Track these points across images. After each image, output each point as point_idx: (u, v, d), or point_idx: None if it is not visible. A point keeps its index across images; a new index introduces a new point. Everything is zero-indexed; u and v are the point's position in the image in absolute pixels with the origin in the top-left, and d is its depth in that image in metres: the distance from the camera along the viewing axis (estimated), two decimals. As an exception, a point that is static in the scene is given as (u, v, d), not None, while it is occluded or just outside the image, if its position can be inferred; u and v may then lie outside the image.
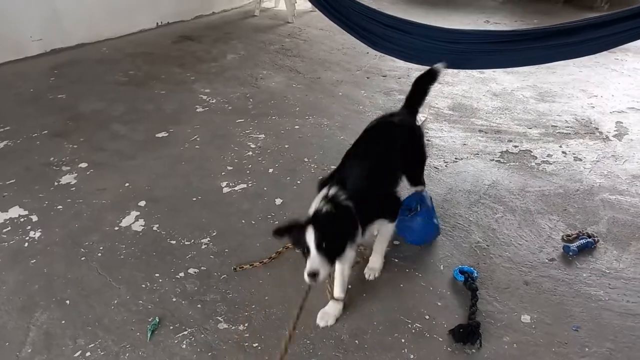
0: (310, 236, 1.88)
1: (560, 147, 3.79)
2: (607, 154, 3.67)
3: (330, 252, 1.91)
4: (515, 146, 3.79)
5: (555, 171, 3.47)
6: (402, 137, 2.53)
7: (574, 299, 2.41)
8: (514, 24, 6.99)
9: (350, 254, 2.13)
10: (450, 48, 3.30)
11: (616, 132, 3.96)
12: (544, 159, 3.62)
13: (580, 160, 3.60)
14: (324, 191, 2.12)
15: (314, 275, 1.84)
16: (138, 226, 2.85)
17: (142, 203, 3.06)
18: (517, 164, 3.56)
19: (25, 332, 2.18)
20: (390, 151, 2.44)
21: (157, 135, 3.89)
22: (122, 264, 2.58)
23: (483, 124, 4.16)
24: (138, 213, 2.96)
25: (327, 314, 2.27)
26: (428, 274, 2.55)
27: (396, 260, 2.63)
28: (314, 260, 1.86)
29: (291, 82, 5.03)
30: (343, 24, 3.76)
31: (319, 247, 1.87)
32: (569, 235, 2.81)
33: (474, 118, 4.26)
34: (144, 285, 2.44)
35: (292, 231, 1.98)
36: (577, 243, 2.71)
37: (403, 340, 2.16)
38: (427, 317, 2.28)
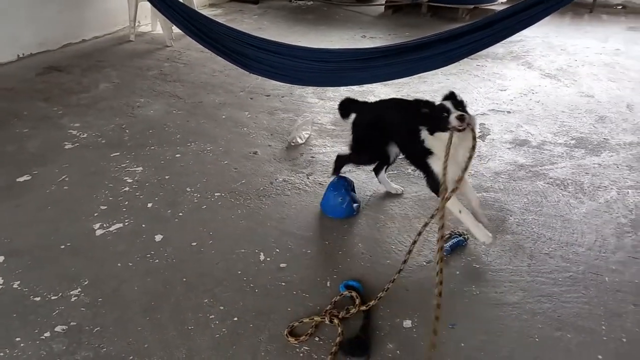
0: (448, 104, 2.61)
1: (433, 152, 4.04)
2: (473, 155, 3.97)
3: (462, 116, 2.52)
4: (393, 155, 3.98)
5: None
6: None
7: (450, 297, 2.54)
8: (387, 37, 7.40)
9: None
10: (320, 67, 3.39)
11: (480, 134, 4.31)
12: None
13: (450, 162, 3.86)
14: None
15: (462, 117, 2.50)
16: (-5, 285, 2.55)
17: (0, 259, 2.74)
18: (396, 172, 3.73)
19: None
20: None
21: (18, 180, 3.53)
22: (-26, 331, 2.28)
23: (362, 136, 4.32)
24: (-5, 270, 2.65)
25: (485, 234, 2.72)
26: (316, 293, 2.56)
27: (282, 284, 2.61)
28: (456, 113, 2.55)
29: (171, 109, 4.86)
30: (215, 49, 3.70)
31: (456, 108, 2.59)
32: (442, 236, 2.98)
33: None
34: (1, 354, 2.17)
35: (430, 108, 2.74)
36: (450, 242, 2.89)
37: None
38: (316, 338, 2.28)
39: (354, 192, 3.31)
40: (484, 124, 4.50)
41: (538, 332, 2.34)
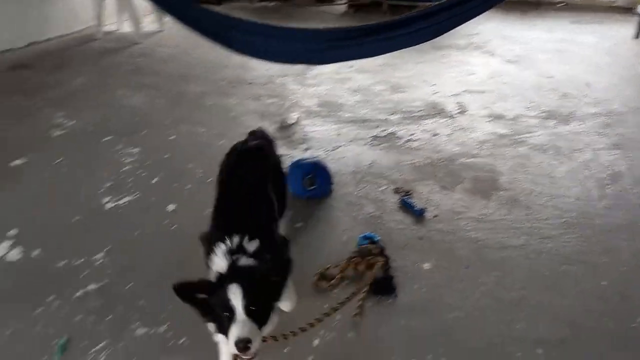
0: (235, 295, 1.50)
1: (419, 126, 4.27)
2: (456, 128, 4.23)
3: (261, 316, 1.57)
4: (383, 130, 4.17)
5: (419, 146, 3.90)
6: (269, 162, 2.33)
7: (459, 244, 2.74)
8: (355, 33, 7.65)
9: (274, 319, 1.70)
10: (306, 47, 3.50)
11: (459, 111, 4.58)
12: (408, 138, 4.04)
13: (437, 135, 4.09)
14: (222, 245, 1.73)
15: (245, 343, 1.46)
16: (15, 255, 2.51)
17: (14, 232, 2.69)
18: (388, 144, 3.92)
19: None
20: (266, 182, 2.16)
21: (11, 165, 3.45)
22: (1, 298, 2.24)
23: (350, 115, 4.50)
24: (11, 242, 2.60)
25: None
26: (334, 246, 2.68)
27: (302, 239, 2.71)
28: (244, 324, 1.49)
29: (154, 99, 4.85)
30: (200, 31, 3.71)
31: (247, 309, 1.51)
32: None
33: (342, 111, 4.58)
34: (35, 314, 2.15)
35: (204, 289, 1.57)
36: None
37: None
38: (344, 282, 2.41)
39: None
40: (461, 103, 4.78)
41: (546, 268, 2.57)
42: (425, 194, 3.21)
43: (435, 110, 4.61)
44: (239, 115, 4.47)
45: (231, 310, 1.50)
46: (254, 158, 2.26)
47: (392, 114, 4.55)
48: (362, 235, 2.72)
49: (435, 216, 2.98)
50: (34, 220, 2.82)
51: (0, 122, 4.14)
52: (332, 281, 2.38)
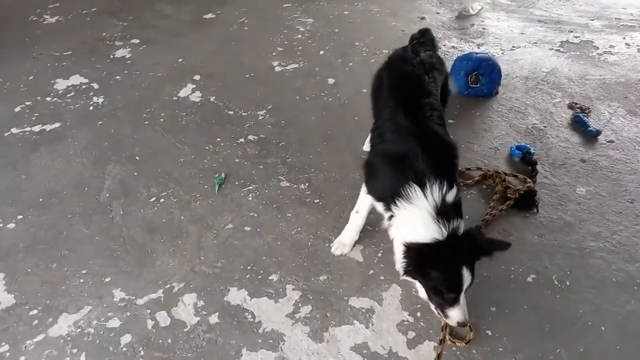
0: (465, 280, 1.49)
1: (624, 39, 3.60)
2: (674, 47, 3.48)
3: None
4: (576, 37, 3.62)
5: (617, 61, 3.33)
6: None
7: (630, 176, 2.41)
8: None
9: None
10: None
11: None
12: (606, 50, 3.46)
13: (645, 51, 3.43)
14: (423, 198, 1.56)
15: (465, 325, 1.59)
16: (195, 97, 2.91)
17: (197, 77, 3.09)
18: (578, 53, 3.41)
19: (102, 180, 2.32)
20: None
21: (204, 17, 3.84)
22: (184, 129, 2.67)
23: (542, 14, 3.95)
24: (194, 85, 3.01)
25: (342, 243, 2.00)
26: (483, 149, 2.56)
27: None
28: (465, 307, 1.56)
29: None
30: None
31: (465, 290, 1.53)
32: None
33: (533, 8, 4.04)
34: (207, 148, 2.53)
35: (431, 261, 1.50)
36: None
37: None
38: (483, 186, 2.33)
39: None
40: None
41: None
42: (607, 116, 2.81)
43: (653, 22, 3.81)
44: (416, -5, 4.23)
45: (457, 292, 1.51)
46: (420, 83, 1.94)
47: (595, 19, 3.88)
48: (516, 144, 2.55)
49: (611, 141, 2.63)
50: (215, 70, 3.18)
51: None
52: (469, 181, 2.33)
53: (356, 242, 2.03)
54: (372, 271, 1.93)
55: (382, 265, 1.95)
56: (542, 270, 1.95)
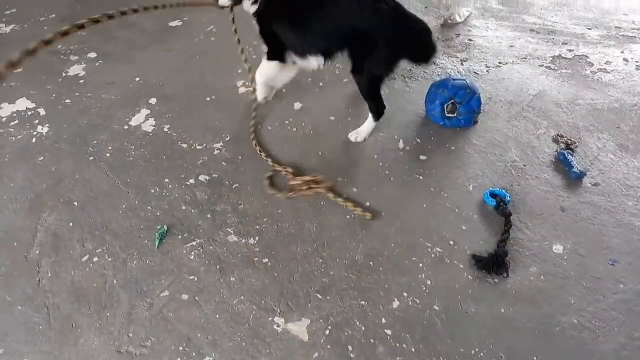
0: None
1: (623, 53, 3.32)
2: (677, 64, 3.20)
3: None
4: (570, 50, 3.34)
5: (612, 82, 3.07)
6: None
7: (614, 229, 2.20)
8: None
9: None
10: None
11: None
12: (602, 67, 3.19)
13: (644, 70, 3.16)
14: None
15: None
16: (149, 126, 2.69)
17: (153, 101, 2.86)
18: (570, 71, 3.15)
19: (34, 232, 2.13)
20: None
21: (170, 24, 3.58)
22: (131, 166, 2.46)
23: (536, 22, 3.66)
24: (149, 112, 2.78)
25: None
26: (455, 194, 2.34)
27: (420, 178, 2.42)
28: None
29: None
30: None
31: None
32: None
33: (526, 15, 3.75)
34: (153, 191, 2.33)
35: None
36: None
37: (421, 265, 2.03)
38: (450, 242, 2.12)
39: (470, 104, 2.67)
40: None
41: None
42: (595, 152, 2.58)
43: (656, 33, 3.52)
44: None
45: None
46: None
47: (593, 27, 3.59)
48: (491, 190, 2.33)
49: (596, 184, 2.40)
50: (174, 91, 2.94)
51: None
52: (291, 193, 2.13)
53: (303, 316, 1.85)
54: (316, 354, 1.75)
55: (328, 347, 1.77)
56: (506, 354, 1.76)
